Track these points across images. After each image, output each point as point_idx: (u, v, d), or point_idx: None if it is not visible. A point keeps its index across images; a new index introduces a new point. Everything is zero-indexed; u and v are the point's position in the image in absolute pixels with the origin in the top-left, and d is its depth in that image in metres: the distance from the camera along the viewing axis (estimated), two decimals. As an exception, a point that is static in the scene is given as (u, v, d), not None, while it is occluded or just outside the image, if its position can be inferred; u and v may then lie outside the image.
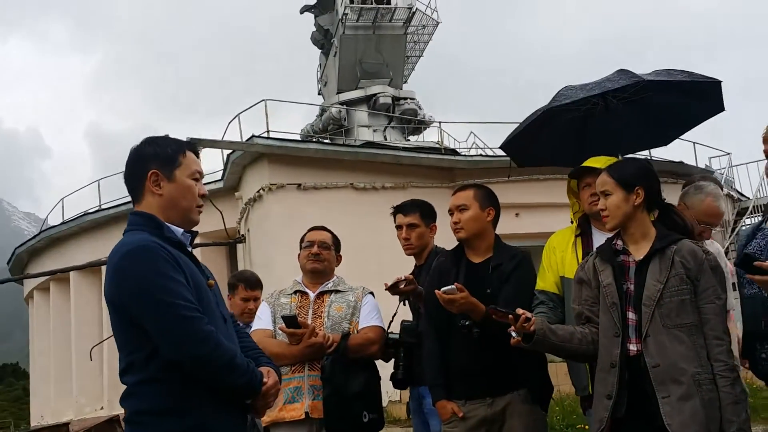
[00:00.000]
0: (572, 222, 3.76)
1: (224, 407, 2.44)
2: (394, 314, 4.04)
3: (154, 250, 2.38)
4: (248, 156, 13.96)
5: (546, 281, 3.52)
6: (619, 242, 2.97)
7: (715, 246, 3.59)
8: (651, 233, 2.93)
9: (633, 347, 2.82)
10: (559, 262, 3.52)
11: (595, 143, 3.74)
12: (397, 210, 4.22)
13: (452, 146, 17.53)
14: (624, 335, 2.83)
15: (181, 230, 2.55)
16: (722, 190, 4.14)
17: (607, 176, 2.99)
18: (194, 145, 2.67)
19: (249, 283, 4.74)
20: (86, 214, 17.87)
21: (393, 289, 3.84)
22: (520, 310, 2.85)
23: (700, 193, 3.88)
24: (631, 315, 2.84)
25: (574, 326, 3.01)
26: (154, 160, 2.55)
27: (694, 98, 4.33)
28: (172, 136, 2.69)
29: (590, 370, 3.29)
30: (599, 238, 3.37)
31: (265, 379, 2.51)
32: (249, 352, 2.65)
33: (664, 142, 4.95)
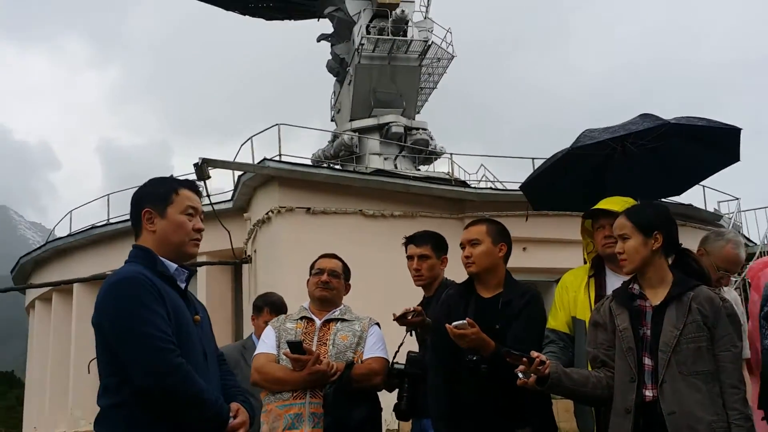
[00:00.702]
0: (585, 262, 3.72)
1: None
2: (401, 344, 3.99)
3: (139, 281, 2.51)
4: (259, 178, 14.00)
5: (557, 320, 3.48)
6: (636, 286, 2.95)
7: (732, 294, 3.56)
8: (668, 278, 2.91)
9: (649, 393, 2.79)
10: (572, 301, 3.48)
11: (612, 191, 3.74)
12: (410, 240, 4.19)
13: (462, 178, 17.55)
14: (640, 381, 2.80)
15: (175, 266, 2.68)
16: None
17: (625, 220, 2.97)
18: (192, 183, 2.82)
19: (274, 307, 4.74)
20: (93, 227, 17.88)
21: (401, 319, 3.81)
22: (534, 353, 2.83)
23: (720, 239, 3.86)
24: (647, 360, 2.82)
25: (589, 370, 2.98)
26: (148, 199, 2.72)
27: (710, 147, 4.34)
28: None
29: (596, 413, 3.24)
30: (613, 280, 3.34)
31: (232, 414, 2.59)
32: (230, 389, 2.77)
33: (678, 191, 4.95)
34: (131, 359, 2.43)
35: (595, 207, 3.55)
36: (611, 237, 3.29)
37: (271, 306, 4.77)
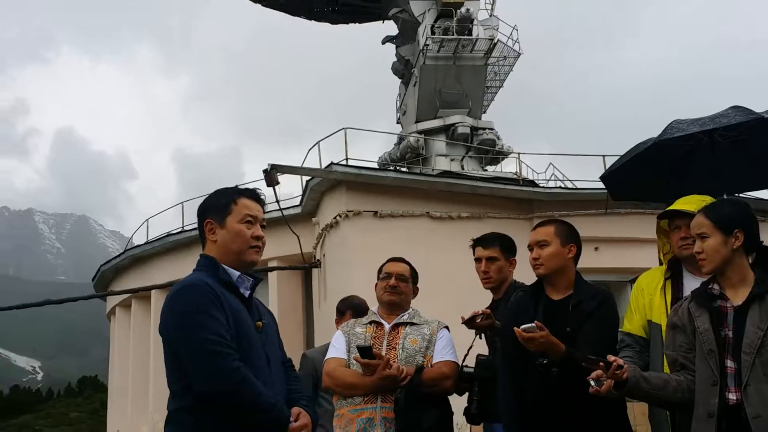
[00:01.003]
0: (661, 262, 3.62)
1: None
2: (470, 348, 3.97)
3: (200, 288, 2.59)
4: (326, 183, 14.12)
5: (633, 323, 3.39)
6: (716, 287, 2.85)
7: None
8: (749, 277, 2.81)
9: (732, 396, 2.70)
10: (647, 304, 3.38)
11: (696, 183, 3.63)
12: (477, 242, 4.16)
13: (531, 177, 17.33)
14: (722, 384, 2.71)
15: (238, 273, 2.77)
16: None
17: (704, 218, 2.87)
18: (252, 192, 2.90)
19: (357, 311, 4.78)
20: (169, 234, 18.35)
21: (470, 323, 3.79)
22: (611, 357, 2.76)
23: None
24: (729, 363, 2.72)
25: (668, 373, 2.89)
26: (209, 210, 2.83)
27: None
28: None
29: (671, 419, 3.15)
30: (690, 282, 3.24)
31: (292, 419, 2.63)
32: (293, 394, 2.82)
33: (765, 184, 4.78)
34: (190, 364, 2.51)
35: (671, 207, 3.44)
36: (688, 238, 3.20)
37: (353, 309, 4.82)
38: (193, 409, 2.53)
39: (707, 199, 3.31)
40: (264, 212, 2.91)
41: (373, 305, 4.04)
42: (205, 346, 2.48)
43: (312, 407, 2.84)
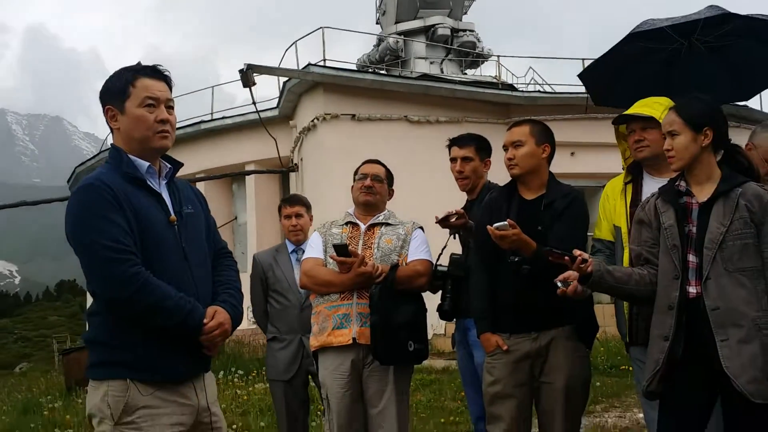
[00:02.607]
0: (623, 169, 3.67)
1: (162, 343, 2.43)
2: (444, 247, 4.04)
3: (96, 189, 2.39)
4: (304, 84, 13.93)
5: (602, 230, 3.48)
6: (683, 183, 2.89)
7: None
8: (716, 175, 2.85)
9: (692, 290, 2.78)
10: (612, 210, 3.46)
11: (677, 91, 3.62)
12: (453, 142, 4.17)
13: (510, 81, 17.21)
14: (683, 278, 2.79)
15: (147, 164, 2.54)
16: None
17: (675, 115, 2.88)
18: (153, 69, 2.58)
19: (288, 201, 4.83)
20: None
21: (443, 222, 3.84)
22: (576, 251, 2.83)
23: (767, 130, 3.74)
24: (692, 258, 2.79)
25: (632, 267, 2.98)
26: (107, 95, 2.55)
27: None
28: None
29: (628, 316, 3.27)
30: (650, 185, 3.30)
31: (206, 320, 2.48)
32: (218, 286, 2.66)
33: (746, 96, 4.77)
34: (87, 271, 2.40)
35: (625, 112, 3.47)
36: (641, 141, 3.27)
37: (285, 201, 4.85)
38: (101, 312, 2.45)
39: (662, 101, 3.33)
40: (171, 90, 2.59)
41: (349, 204, 4.07)
42: (100, 252, 2.33)
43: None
